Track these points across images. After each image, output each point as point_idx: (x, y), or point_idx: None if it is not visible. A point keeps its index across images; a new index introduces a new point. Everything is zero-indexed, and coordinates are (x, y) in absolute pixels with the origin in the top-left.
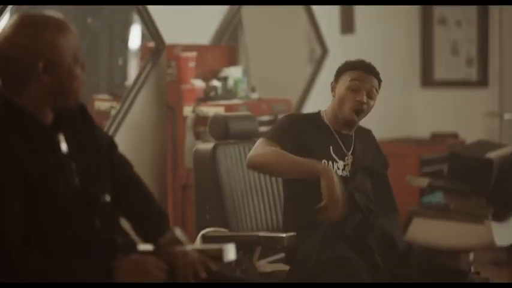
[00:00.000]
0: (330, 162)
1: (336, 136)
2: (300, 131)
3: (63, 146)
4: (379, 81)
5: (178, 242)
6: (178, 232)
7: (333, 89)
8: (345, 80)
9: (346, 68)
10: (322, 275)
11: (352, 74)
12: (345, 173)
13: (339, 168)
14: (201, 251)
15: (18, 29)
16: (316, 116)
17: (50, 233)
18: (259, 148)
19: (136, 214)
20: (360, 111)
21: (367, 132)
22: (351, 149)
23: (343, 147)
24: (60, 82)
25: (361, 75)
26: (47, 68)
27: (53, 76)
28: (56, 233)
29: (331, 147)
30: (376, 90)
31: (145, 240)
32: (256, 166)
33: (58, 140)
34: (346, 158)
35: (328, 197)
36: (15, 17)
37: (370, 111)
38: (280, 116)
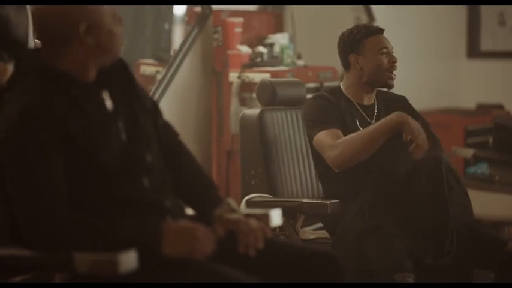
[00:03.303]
0: None
1: (359, 108)
2: (331, 108)
3: (108, 103)
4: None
5: (235, 211)
6: (233, 202)
7: (353, 62)
8: (373, 48)
9: (362, 36)
10: (360, 245)
11: (375, 39)
12: None
13: None
14: (247, 216)
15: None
16: (337, 90)
17: (98, 193)
18: (332, 146)
19: (187, 184)
20: (395, 72)
21: (398, 99)
22: (373, 119)
23: (367, 119)
24: (102, 42)
25: (382, 38)
26: (88, 30)
27: (94, 37)
28: (104, 193)
29: (357, 121)
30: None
31: (198, 210)
32: (346, 164)
33: (102, 97)
34: None
35: (416, 136)
36: None
37: None
38: (326, 84)
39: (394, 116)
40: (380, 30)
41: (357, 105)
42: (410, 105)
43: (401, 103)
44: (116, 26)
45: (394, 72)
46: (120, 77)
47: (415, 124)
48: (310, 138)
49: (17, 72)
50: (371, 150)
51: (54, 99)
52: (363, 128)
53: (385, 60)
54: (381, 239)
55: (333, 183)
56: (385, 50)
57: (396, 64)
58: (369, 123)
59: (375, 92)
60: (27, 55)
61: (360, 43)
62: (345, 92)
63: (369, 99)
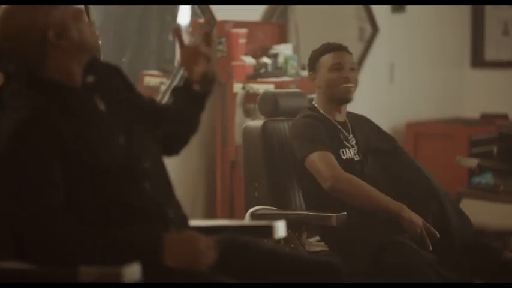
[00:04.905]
0: (347, 150)
1: (337, 124)
2: (322, 128)
3: (102, 107)
4: (351, 54)
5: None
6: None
7: (313, 79)
8: (326, 65)
9: (318, 55)
10: (378, 259)
11: (329, 56)
12: (358, 158)
13: (351, 154)
14: (251, 227)
15: (11, 16)
16: (315, 109)
17: (100, 200)
18: (333, 166)
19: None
20: (350, 86)
21: (361, 117)
22: (350, 134)
23: (346, 134)
24: (75, 41)
25: (337, 54)
26: (58, 34)
27: (66, 39)
28: (106, 200)
29: (340, 135)
30: (354, 64)
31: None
32: (341, 193)
33: (95, 102)
34: (352, 144)
35: (415, 234)
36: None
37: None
38: None
39: (399, 206)
40: (339, 47)
41: (334, 121)
42: (372, 123)
43: (367, 122)
44: (81, 20)
45: (349, 85)
46: (113, 81)
47: (413, 219)
48: (300, 155)
49: (9, 87)
50: (363, 205)
51: (48, 109)
52: (347, 143)
53: (335, 76)
54: (401, 253)
55: (319, 196)
56: (337, 67)
57: (352, 78)
58: (348, 139)
59: (344, 108)
60: (16, 68)
61: (316, 61)
62: (320, 109)
63: (340, 116)
